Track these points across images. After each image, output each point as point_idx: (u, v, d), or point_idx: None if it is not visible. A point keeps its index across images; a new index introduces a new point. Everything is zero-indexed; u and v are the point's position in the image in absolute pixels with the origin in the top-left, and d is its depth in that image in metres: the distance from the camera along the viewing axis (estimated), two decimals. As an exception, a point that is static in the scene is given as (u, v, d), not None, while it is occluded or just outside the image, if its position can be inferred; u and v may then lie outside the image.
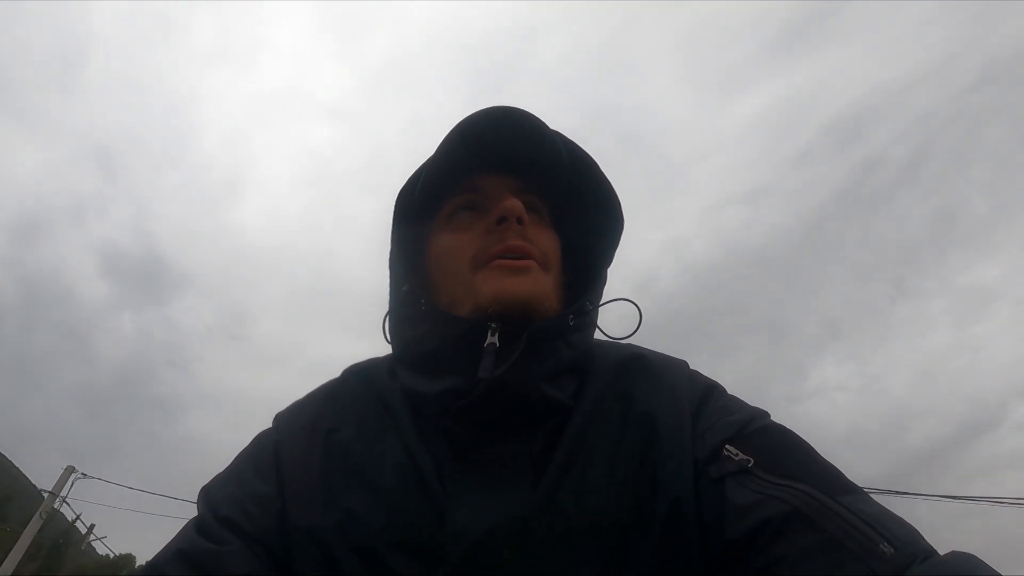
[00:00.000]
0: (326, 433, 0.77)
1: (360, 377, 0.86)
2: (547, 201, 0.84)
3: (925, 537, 0.57)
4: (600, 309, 0.83)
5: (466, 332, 0.73)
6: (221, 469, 0.81)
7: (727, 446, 0.68)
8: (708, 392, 0.78)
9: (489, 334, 0.71)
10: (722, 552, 0.63)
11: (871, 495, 0.63)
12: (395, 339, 0.84)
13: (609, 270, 0.86)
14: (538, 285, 0.74)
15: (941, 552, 0.56)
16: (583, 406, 0.74)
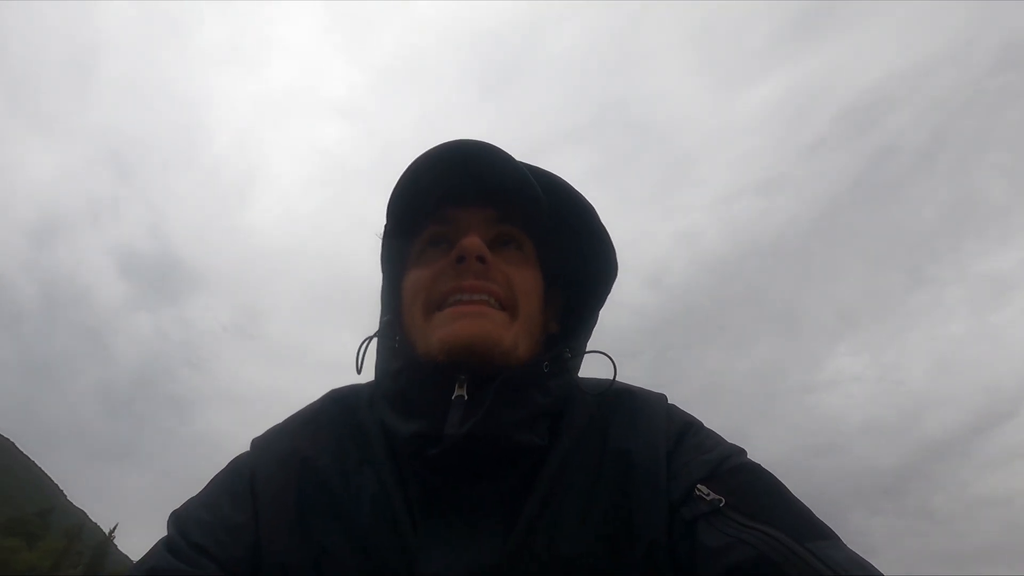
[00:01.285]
0: (303, 461, 0.76)
1: (341, 404, 0.84)
2: (532, 235, 0.81)
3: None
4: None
5: (434, 379, 0.71)
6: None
7: (699, 486, 0.67)
8: (684, 429, 0.76)
9: (457, 386, 0.70)
10: None
11: None
12: (377, 368, 0.81)
13: (615, 281, 0.84)
14: (491, 328, 0.71)
15: None
16: (559, 446, 0.73)
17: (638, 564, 0.66)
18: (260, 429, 0.84)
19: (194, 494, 0.78)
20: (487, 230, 0.77)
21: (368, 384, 0.85)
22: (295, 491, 0.73)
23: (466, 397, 0.69)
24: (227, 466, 0.81)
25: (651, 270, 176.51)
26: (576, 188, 0.81)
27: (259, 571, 0.69)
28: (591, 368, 0.84)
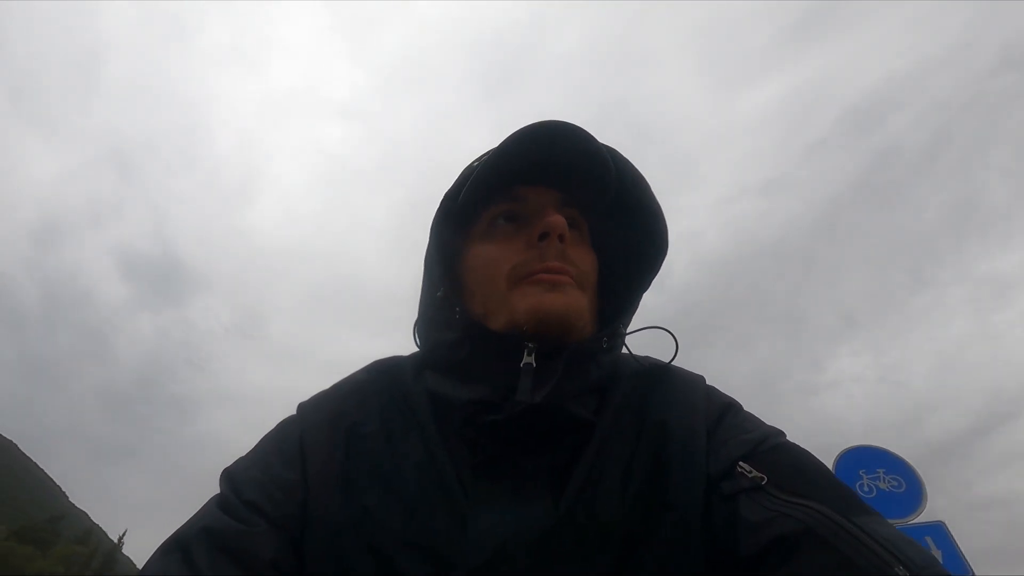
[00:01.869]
0: (350, 426, 0.78)
1: (385, 374, 0.85)
2: (589, 218, 0.83)
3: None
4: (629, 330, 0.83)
5: (501, 348, 0.73)
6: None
7: (741, 463, 0.68)
8: (725, 409, 0.78)
9: (526, 354, 0.71)
10: (735, 568, 0.63)
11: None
12: (424, 341, 0.84)
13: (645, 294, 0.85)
14: (575, 303, 0.74)
15: None
16: (603, 421, 0.74)
17: (670, 531, 0.67)
18: (263, 430, 0.84)
19: (243, 454, 0.80)
20: (553, 211, 0.78)
21: (411, 355, 0.87)
22: (342, 453, 0.75)
23: (534, 365, 0.71)
24: (275, 428, 0.83)
25: None
26: (632, 162, 0.83)
27: (306, 528, 0.71)
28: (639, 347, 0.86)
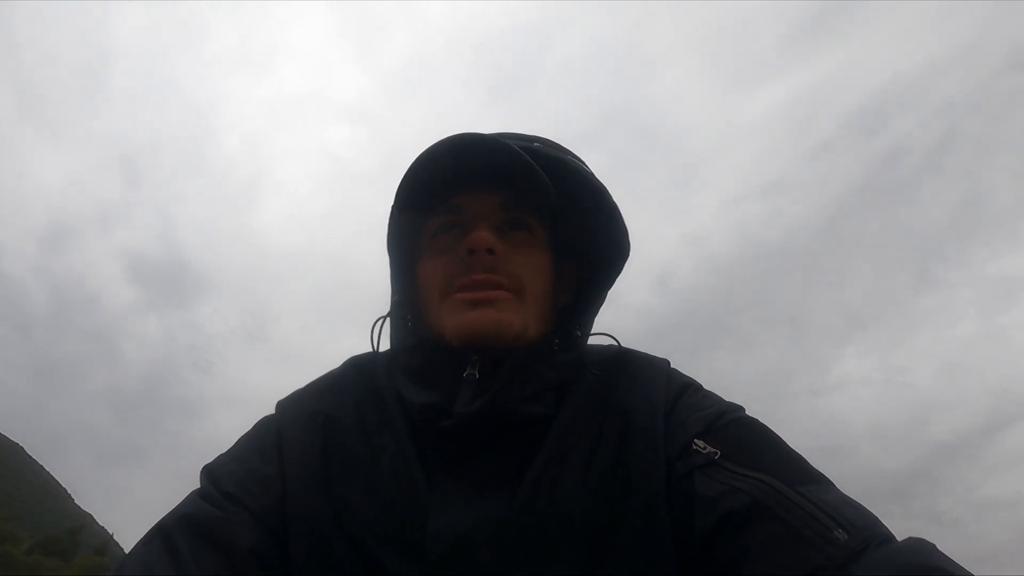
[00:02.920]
0: (326, 420, 0.80)
1: (361, 370, 0.88)
2: (541, 217, 0.83)
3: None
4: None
5: (449, 358, 0.75)
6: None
7: (696, 440, 0.70)
8: (683, 389, 0.79)
9: (469, 366, 0.74)
10: (694, 545, 0.65)
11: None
12: (392, 340, 0.86)
13: (623, 273, 0.86)
14: (501, 317, 0.74)
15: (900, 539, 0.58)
16: (564, 412, 0.76)
17: (636, 517, 0.69)
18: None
19: (222, 452, 0.82)
20: (496, 216, 0.80)
21: (386, 353, 0.88)
22: (319, 448, 0.78)
23: (477, 376, 0.73)
24: (254, 426, 0.85)
25: (658, 272, 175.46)
26: (588, 167, 0.85)
27: (286, 523, 0.73)
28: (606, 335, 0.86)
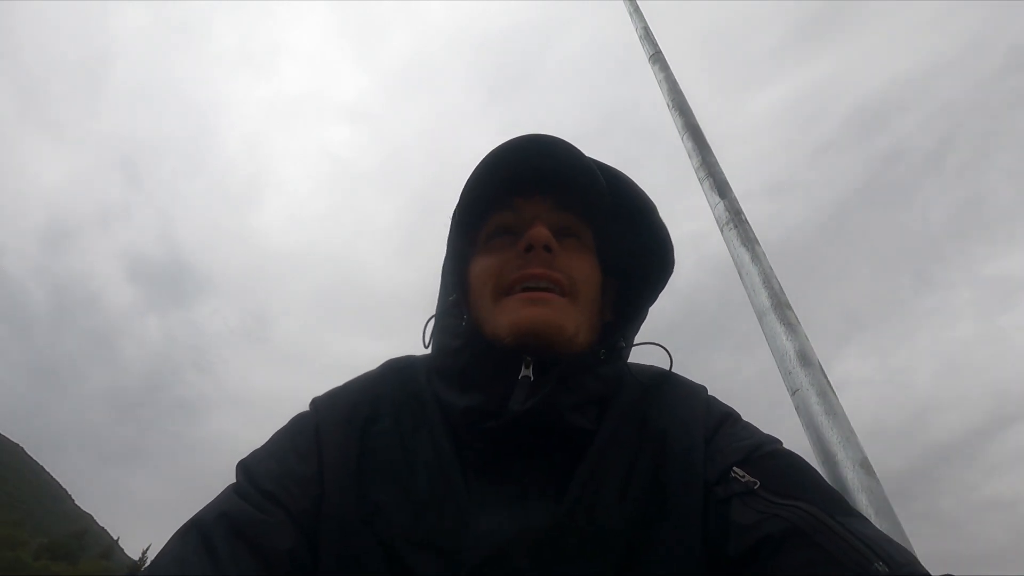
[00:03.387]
0: (363, 423, 0.80)
1: (399, 373, 0.88)
2: (591, 224, 0.85)
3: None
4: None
5: (500, 360, 0.75)
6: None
7: (735, 468, 0.70)
8: (723, 418, 0.80)
9: (524, 367, 0.74)
10: (725, 570, 0.66)
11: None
12: (435, 345, 0.85)
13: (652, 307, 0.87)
14: (556, 315, 0.76)
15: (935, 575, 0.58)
16: (604, 429, 0.77)
17: (669, 539, 0.69)
18: (269, 432, 0.85)
19: (257, 447, 0.81)
20: (550, 220, 0.81)
21: (424, 356, 0.89)
22: (356, 450, 0.77)
23: (532, 378, 0.73)
24: (289, 423, 0.84)
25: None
26: (639, 186, 0.87)
27: (319, 523, 0.72)
28: (641, 356, 0.86)
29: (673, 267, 0.87)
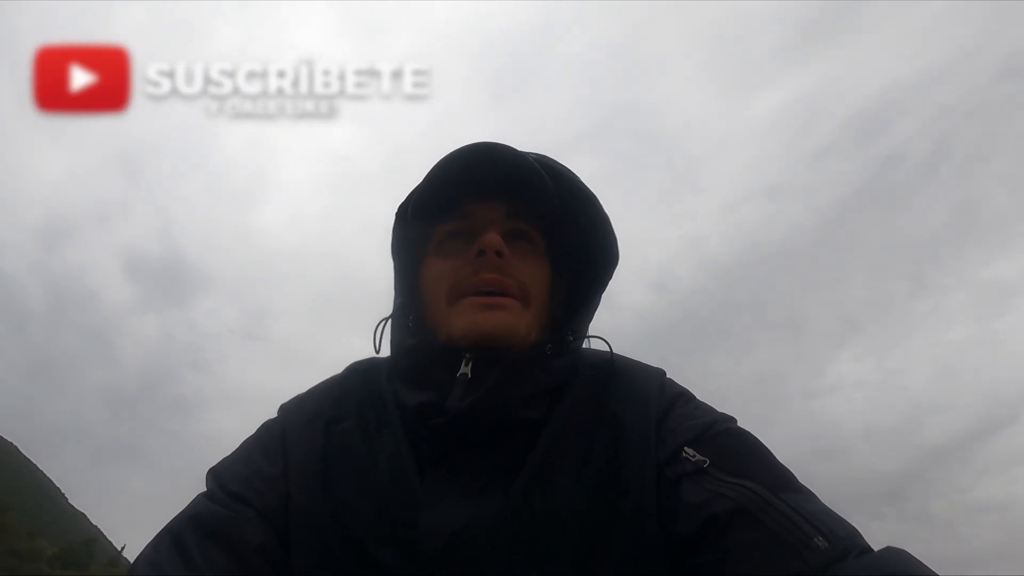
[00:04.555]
0: (328, 423, 0.83)
1: (362, 375, 0.90)
2: (540, 227, 0.86)
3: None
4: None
5: (445, 357, 0.77)
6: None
7: (686, 448, 0.72)
8: (675, 399, 0.81)
9: (463, 364, 0.76)
10: (678, 549, 0.67)
11: None
12: (392, 345, 0.88)
13: (614, 279, 0.88)
14: (510, 320, 0.77)
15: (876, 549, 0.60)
16: (557, 417, 0.78)
17: (625, 519, 0.71)
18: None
19: (227, 455, 0.84)
20: (502, 225, 0.82)
21: (387, 358, 0.91)
22: (321, 450, 0.80)
23: (469, 375, 0.75)
24: (258, 428, 0.87)
25: (656, 274, 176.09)
26: (578, 176, 0.87)
27: (288, 521, 0.75)
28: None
29: (618, 258, 0.88)
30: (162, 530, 0.73)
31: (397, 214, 0.89)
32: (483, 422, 0.75)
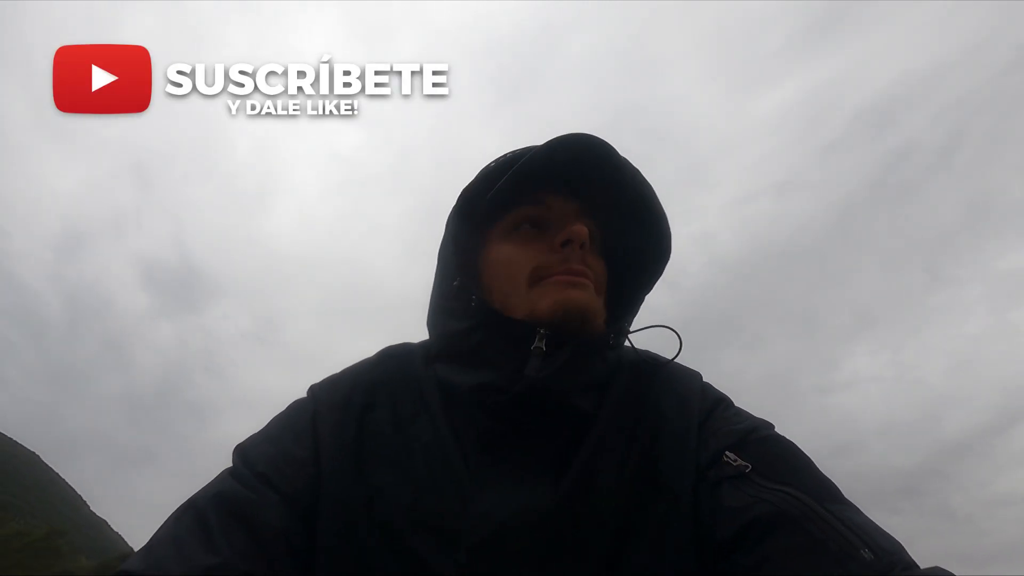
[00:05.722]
0: (361, 409, 0.81)
1: (396, 360, 0.90)
2: (603, 227, 0.88)
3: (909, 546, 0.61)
4: (632, 331, 0.89)
5: (516, 333, 0.77)
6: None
7: (727, 452, 0.73)
8: (717, 403, 0.83)
9: (537, 338, 0.75)
10: (715, 552, 0.67)
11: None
12: (435, 329, 0.88)
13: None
14: (594, 301, 0.80)
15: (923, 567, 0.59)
16: (604, 413, 0.79)
17: (662, 520, 0.71)
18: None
19: (255, 432, 0.83)
20: (577, 219, 0.83)
21: (421, 343, 0.92)
22: (353, 434, 0.79)
23: (544, 349, 0.75)
24: (287, 408, 0.86)
25: (667, 272, 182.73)
26: (644, 176, 0.86)
27: (316, 506, 0.74)
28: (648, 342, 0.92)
29: (670, 254, 0.88)
30: (185, 504, 0.72)
31: (464, 193, 0.88)
32: (541, 406, 0.75)
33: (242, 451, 0.79)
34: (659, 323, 0.88)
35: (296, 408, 0.85)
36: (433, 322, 0.89)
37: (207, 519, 0.69)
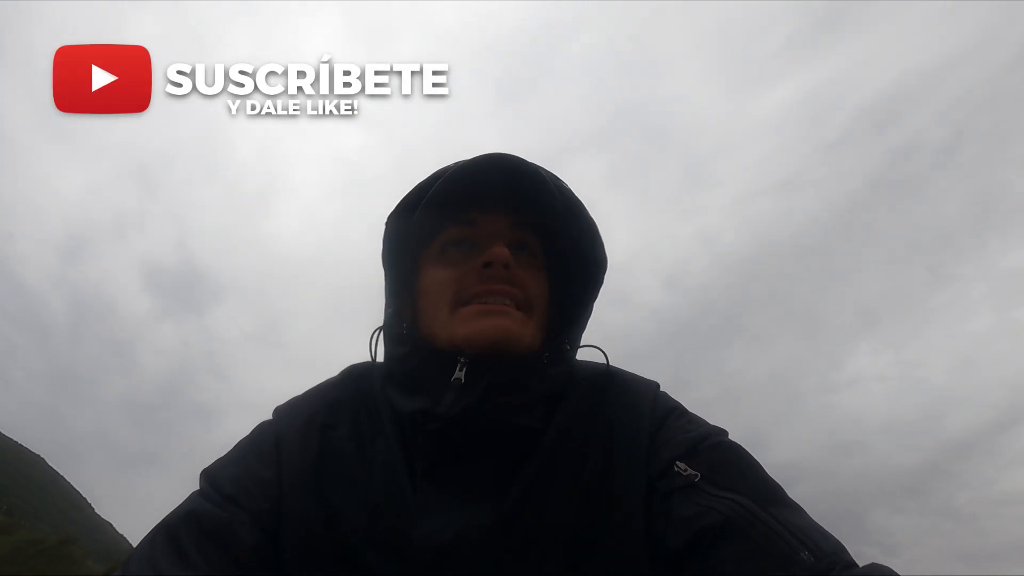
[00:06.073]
0: (323, 429, 0.83)
1: (357, 380, 0.91)
2: (540, 238, 0.87)
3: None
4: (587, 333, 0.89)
5: (440, 362, 0.78)
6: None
7: (678, 462, 0.73)
8: (669, 412, 0.83)
9: (457, 369, 0.76)
10: (668, 562, 0.68)
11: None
12: (386, 352, 0.89)
13: (597, 301, 0.90)
14: (513, 327, 0.78)
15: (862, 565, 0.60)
16: (553, 427, 0.79)
17: (616, 532, 0.72)
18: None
19: (221, 456, 0.85)
20: (507, 236, 0.83)
21: (382, 363, 0.91)
22: (315, 455, 0.80)
23: (463, 380, 0.75)
24: (252, 431, 0.87)
25: (670, 271, 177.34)
26: (567, 184, 0.88)
27: (280, 525, 0.76)
28: (596, 354, 0.92)
29: (607, 263, 0.88)
30: (157, 526, 0.73)
31: (388, 221, 0.89)
32: (477, 429, 0.75)
33: (208, 474, 0.80)
34: (589, 344, 0.89)
35: (261, 430, 0.87)
36: (385, 344, 0.90)
37: (180, 538, 0.70)
